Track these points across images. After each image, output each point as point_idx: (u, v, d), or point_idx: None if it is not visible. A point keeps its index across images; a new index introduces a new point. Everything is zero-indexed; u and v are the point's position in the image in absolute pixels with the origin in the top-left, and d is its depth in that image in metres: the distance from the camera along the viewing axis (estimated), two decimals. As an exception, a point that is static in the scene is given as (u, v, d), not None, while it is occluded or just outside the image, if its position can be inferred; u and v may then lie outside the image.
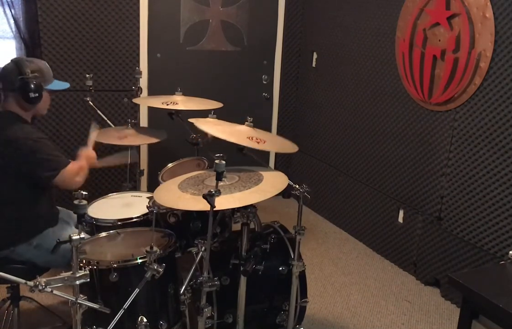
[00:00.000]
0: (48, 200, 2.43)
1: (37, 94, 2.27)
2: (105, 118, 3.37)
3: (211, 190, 1.79)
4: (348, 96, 4.15)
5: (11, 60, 2.33)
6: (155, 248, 1.95)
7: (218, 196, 1.80)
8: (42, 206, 2.39)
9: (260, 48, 4.61)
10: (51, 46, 3.70)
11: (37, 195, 2.36)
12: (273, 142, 2.33)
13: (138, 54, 4.03)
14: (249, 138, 2.26)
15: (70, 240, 1.64)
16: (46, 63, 2.46)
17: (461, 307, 1.74)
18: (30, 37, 3.55)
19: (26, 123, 2.34)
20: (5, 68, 2.31)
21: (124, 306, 1.87)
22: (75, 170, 2.35)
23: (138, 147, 3.56)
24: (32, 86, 2.25)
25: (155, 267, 1.92)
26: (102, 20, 3.83)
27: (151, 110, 4.11)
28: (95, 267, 2.00)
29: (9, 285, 2.43)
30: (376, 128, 3.86)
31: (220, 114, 3.10)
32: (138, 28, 3.99)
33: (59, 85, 2.51)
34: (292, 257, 2.37)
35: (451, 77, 3.16)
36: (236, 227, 2.36)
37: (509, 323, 1.53)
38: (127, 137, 3.08)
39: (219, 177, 1.82)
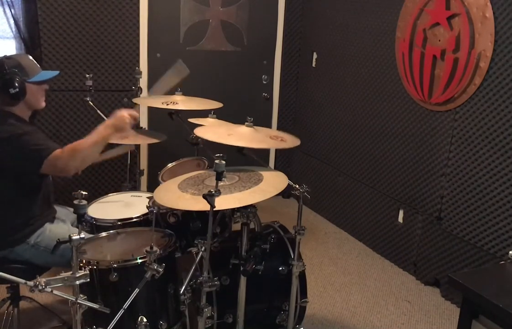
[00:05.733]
0: (44, 199, 2.42)
1: (17, 90, 2.24)
2: (105, 118, 3.36)
3: (211, 190, 1.79)
4: (348, 96, 4.15)
5: None
6: (155, 248, 1.95)
7: (218, 196, 1.80)
8: (38, 206, 2.38)
9: (260, 48, 4.61)
10: (51, 46, 3.70)
11: (33, 194, 2.35)
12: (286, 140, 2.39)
13: (138, 54, 4.03)
14: (271, 137, 2.26)
15: (70, 240, 1.64)
16: (30, 57, 2.43)
17: (461, 307, 1.74)
18: (30, 37, 3.55)
19: (21, 120, 2.32)
20: None
21: (124, 306, 1.87)
22: (64, 154, 2.24)
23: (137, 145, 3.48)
24: (12, 83, 2.23)
25: (155, 267, 1.92)
26: (102, 20, 3.83)
27: (151, 110, 4.11)
28: (95, 267, 2.00)
29: (9, 285, 2.43)
30: (376, 128, 3.86)
31: (220, 114, 3.10)
32: (138, 28, 3.99)
33: (47, 75, 2.44)
34: (292, 257, 2.37)
35: (451, 77, 3.16)
36: (236, 227, 2.36)
37: (509, 323, 1.53)
38: (128, 137, 3.07)
39: (219, 177, 1.82)
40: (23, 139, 2.22)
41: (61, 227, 2.46)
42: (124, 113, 2.39)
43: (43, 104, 2.44)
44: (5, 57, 2.33)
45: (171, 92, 3.23)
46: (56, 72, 2.56)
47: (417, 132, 3.48)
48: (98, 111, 3.33)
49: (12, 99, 2.27)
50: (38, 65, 2.42)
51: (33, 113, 2.46)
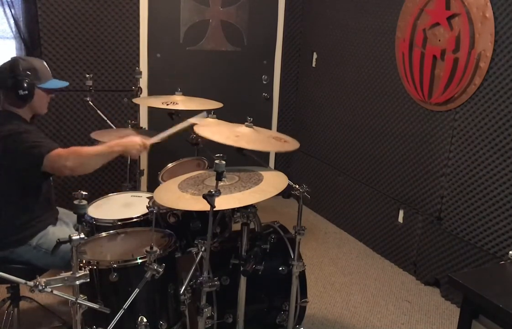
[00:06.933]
0: (46, 200, 2.42)
1: (27, 92, 2.26)
2: (105, 118, 3.36)
3: (211, 190, 1.79)
4: (348, 96, 4.15)
5: (9, 59, 2.33)
6: (155, 248, 1.95)
7: (218, 196, 1.80)
8: (40, 207, 2.38)
9: (260, 48, 4.62)
10: (51, 46, 3.70)
11: (34, 194, 2.35)
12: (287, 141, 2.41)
13: (138, 54, 4.03)
14: (275, 138, 2.26)
15: (70, 240, 1.64)
16: (44, 63, 2.45)
17: (461, 307, 1.74)
18: (30, 37, 3.55)
19: (23, 121, 2.33)
20: (0, 67, 2.32)
21: (124, 306, 1.87)
22: (66, 152, 2.24)
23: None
24: (23, 84, 2.24)
25: (155, 267, 1.92)
26: (102, 20, 3.83)
27: (151, 110, 4.11)
28: (95, 267, 2.00)
29: (9, 285, 2.43)
30: (376, 128, 3.86)
31: (220, 114, 3.10)
32: (138, 28, 3.99)
33: (56, 84, 2.48)
34: (292, 257, 2.37)
35: (451, 77, 3.16)
36: (236, 227, 2.36)
37: (509, 323, 1.53)
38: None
39: (219, 177, 1.82)
40: (23, 136, 2.23)
41: (64, 229, 2.47)
42: (137, 140, 2.42)
43: (46, 111, 2.46)
44: (21, 58, 2.35)
45: (171, 92, 3.24)
46: (65, 83, 2.60)
47: (417, 132, 3.48)
48: (98, 111, 3.33)
49: (19, 101, 2.28)
50: (50, 72, 2.44)
51: (33, 115, 2.47)
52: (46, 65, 2.44)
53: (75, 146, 2.34)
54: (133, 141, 2.42)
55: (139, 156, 3.59)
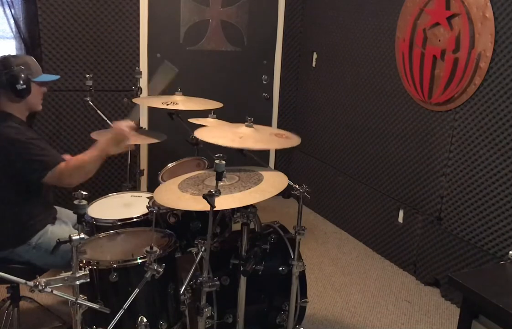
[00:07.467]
0: (44, 200, 2.42)
1: (24, 86, 2.26)
2: (105, 118, 3.36)
3: (211, 190, 1.79)
4: (348, 96, 4.15)
5: None
6: (155, 248, 1.94)
7: (218, 196, 1.80)
8: (39, 207, 2.38)
9: (260, 48, 4.61)
10: (51, 46, 3.70)
11: (33, 195, 2.35)
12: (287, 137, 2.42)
13: (138, 54, 4.03)
14: (276, 135, 2.26)
15: (70, 240, 1.64)
16: (33, 58, 2.45)
17: (461, 307, 1.74)
18: (30, 37, 3.55)
19: (20, 122, 2.32)
20: None
21: (124, 306, 1.87)
22: (68, 169, 2.27)
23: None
24: (19, 79, 2.24)
25: (155, 267, 1.92)
26: (102, 20, 3.83)
27: (151, 110, 4.11)
28: (95, 267, 2.00)
29: (9, 285, 2.43)
30: (376, 128, 3.86)
31: (220, 114, 3.11)
32: (138, 28, 3.99)
33: (48, 77, 2.49)
34: (292, 257, 2.37)
35: (451, 77, 3.16)
36: (236, 227, 2.36)
37: (509, 323, 1.53)
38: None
39: (219, 177, 1.82)
40: (28, 146, 2.22)
41: (63, 228, 2.46)
42: (122, 127, 2.40)
43: (41, 107, 2.46)
44: (11, 55, 2.35)
45: (171, 92, 3.24)
46: (57, 77, 2.61)
47: (417, 132, 3.48)
48: (98, 111, 3.33)
49: (16, 96, 2.27)
50: (40, 68, 2.44)
51: (31, 115, 2.47)
52: (36, 61, 2.44)
53: (73, 156, 2.34)
54: (119, 131, 2.39)
55: (139, 157, 3.60)
